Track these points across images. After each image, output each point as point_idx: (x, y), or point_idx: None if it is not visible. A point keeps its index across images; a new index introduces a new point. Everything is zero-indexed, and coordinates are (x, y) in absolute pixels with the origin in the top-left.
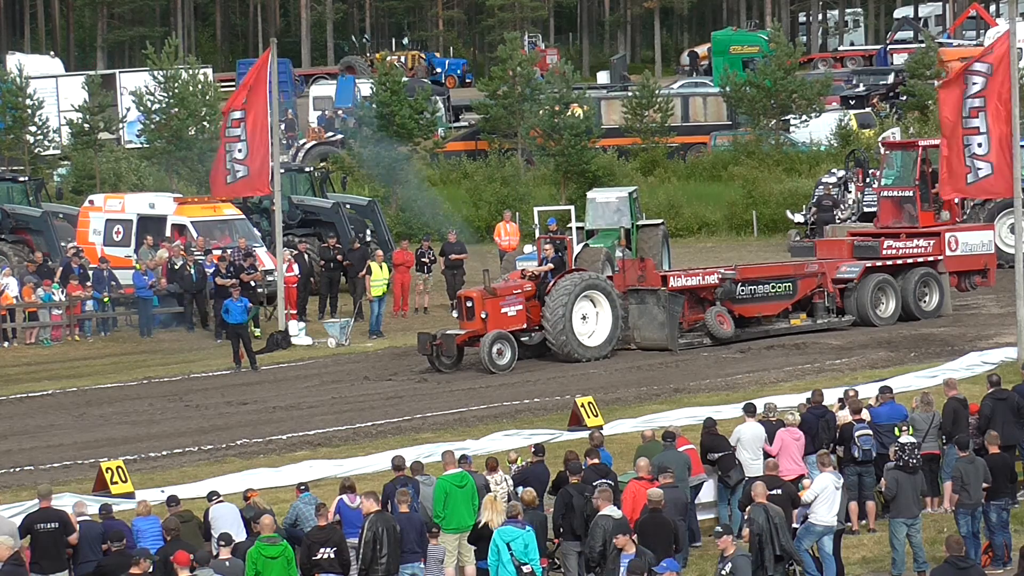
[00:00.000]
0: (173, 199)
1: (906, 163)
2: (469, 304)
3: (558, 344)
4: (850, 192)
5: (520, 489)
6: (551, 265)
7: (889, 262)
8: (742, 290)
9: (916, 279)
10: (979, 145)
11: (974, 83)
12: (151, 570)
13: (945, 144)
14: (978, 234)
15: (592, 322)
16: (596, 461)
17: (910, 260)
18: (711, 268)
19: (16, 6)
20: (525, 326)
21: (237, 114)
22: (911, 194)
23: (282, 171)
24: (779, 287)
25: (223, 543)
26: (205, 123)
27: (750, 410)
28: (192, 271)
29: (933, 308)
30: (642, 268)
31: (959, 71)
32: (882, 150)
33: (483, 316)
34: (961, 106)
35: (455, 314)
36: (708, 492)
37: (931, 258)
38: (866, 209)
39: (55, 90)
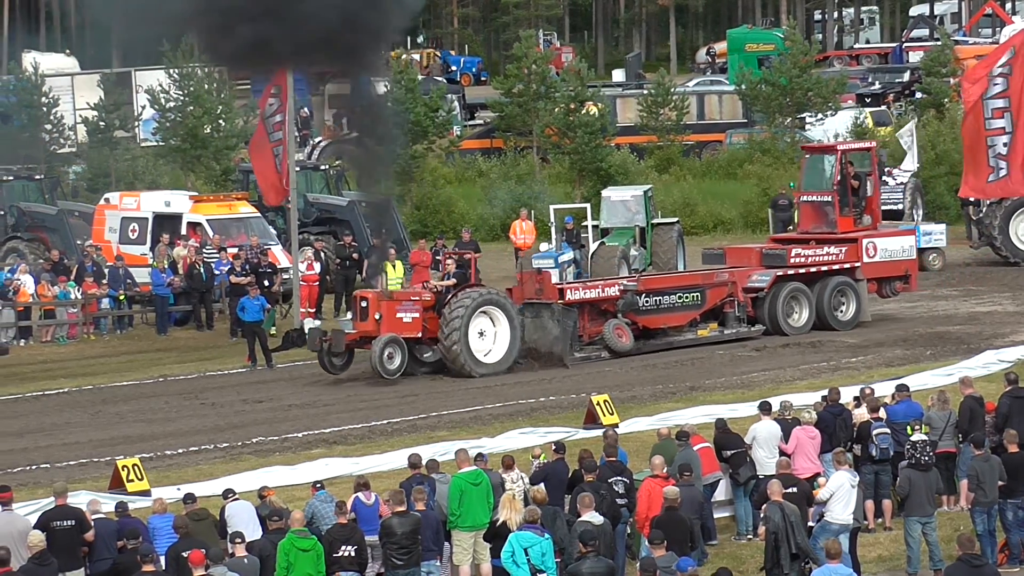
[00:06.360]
0: (188, 197)
1: (825, 167)
2: (364, 304)
3: (451, 359)
4: None
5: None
6: (454, 280)
7: (802, 270)
8: (646, 301)
9: (831, 287)
10: (1004, 145)
11: (996, 84)
12: (164, 568)
13: (967, 145)
14: (898, 239)
15: (490, 338)
16: (612, 459)
17: (824, 268)
18: (612, 279)
19: (32, 4)
20: (420, 335)
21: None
22: (830, 199)
23: (297, 169)
24: (686, 297)
25: (238, 540)
26: (220, 121)
27: (765, 408)
28: (201, 270)
29: (849, 318)
30: (540, 281)
31: (982, 73)
32: (804, 155)
33: (376, 318)
34: (982, 108)
35: (349, 314)
36: (724, 490)
37: (847, 265)
38: (881, 207)
39: (70, 88)
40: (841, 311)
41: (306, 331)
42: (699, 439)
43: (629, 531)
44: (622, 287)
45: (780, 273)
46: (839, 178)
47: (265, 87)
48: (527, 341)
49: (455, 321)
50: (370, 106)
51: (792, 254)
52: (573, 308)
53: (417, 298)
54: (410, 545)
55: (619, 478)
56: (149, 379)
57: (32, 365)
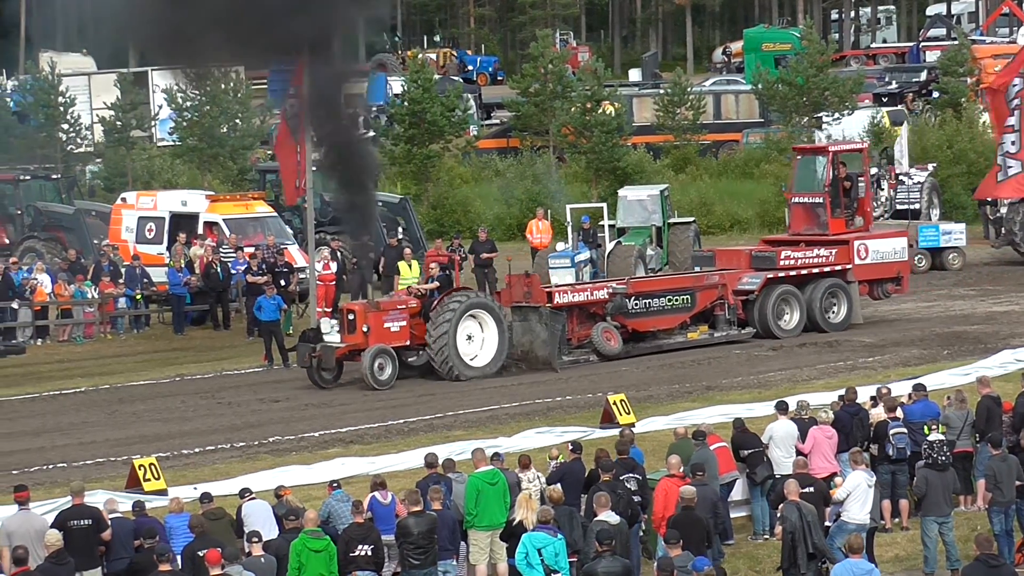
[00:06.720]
0: (205, 196)
1: (816, 168)
2: (351, 317)
3: (441, 364)
4: (883, 189)
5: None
6: (437, 284)
7: (792, 273)
8: (635, 304)
9: (823, 290)
10: (1012, 143)
11: (1014, 85)
12: (180, 567)
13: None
14: (890, 241)
15: (478, 342)
16: (624, 456)
17: (815, 270)
18: (601, 283)
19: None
20: (408, 343)
21: None
22: (821, 200)
23: (314, 169)
24: (676, 300)
25: (254, 540)
26: (237, 120)
27: (782, 408)
28: (218, 269)
29: (840, 320)
30: (528, 284)
31: (1007, 78)
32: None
33: (364, 330)
34: (1007, 109)
35: (336, 327)
36: (741, 490)
37: (838, 267)
38: (898, 207)
39: (87, 87)
40: (832, 313)
41: (323, 331)
42: (716, 439)
43: (644, 528)
44: (611, 290)
45: (770, 275)
46: (831, 179)
47: (282, 86)
48: (515, 345)
49: (443, 326)
50: (328, 100)
51: (782, 256)
52: (561, 311)
53: (403, 306)
54: (427, 545)
55: (631, 475)
56: (166, 378)
57: (49, 364)
